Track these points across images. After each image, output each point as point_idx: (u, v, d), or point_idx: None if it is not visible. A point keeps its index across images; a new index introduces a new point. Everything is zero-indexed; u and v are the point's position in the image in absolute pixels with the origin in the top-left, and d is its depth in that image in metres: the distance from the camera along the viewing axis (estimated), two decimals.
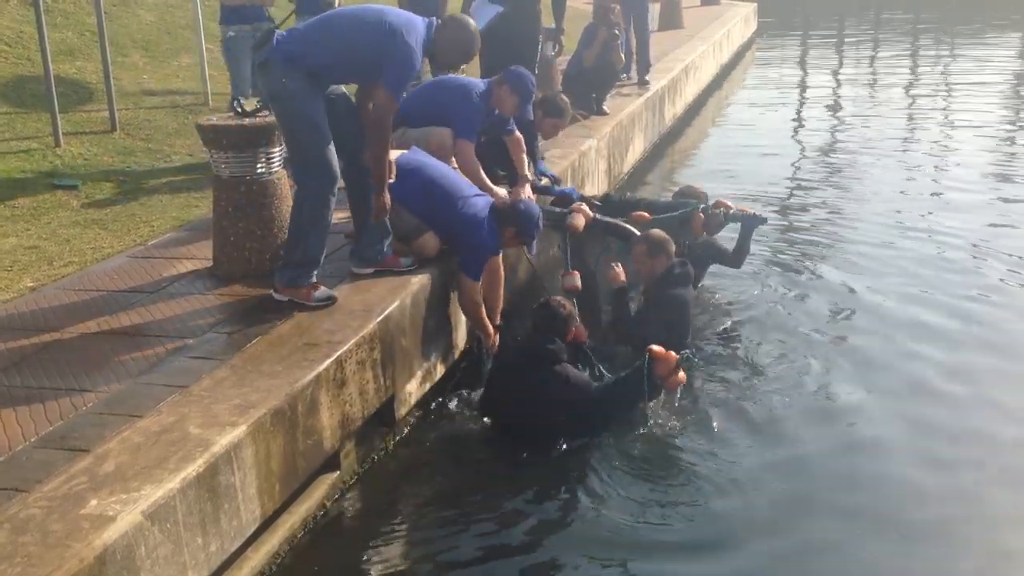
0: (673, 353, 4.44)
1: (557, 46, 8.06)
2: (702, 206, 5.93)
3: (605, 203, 6.16)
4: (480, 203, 4.78)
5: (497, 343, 4.94)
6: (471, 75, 6.21)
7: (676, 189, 6.66)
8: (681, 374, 4.46)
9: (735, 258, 6.04)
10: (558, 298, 4.75)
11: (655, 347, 4.42)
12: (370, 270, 4.57)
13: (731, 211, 5.94)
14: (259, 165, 4.52)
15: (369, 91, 4.36)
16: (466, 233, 4.68)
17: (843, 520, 3.86)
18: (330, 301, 4.24)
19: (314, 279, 4.27)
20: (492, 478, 4.24)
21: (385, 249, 4.60)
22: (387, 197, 4.36)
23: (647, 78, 9.57)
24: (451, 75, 6.25)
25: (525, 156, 5.81)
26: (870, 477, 4.16)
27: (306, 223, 4.24)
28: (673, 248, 5.35)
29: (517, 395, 4.45)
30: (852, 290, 6.24)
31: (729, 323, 5.74)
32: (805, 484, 4.15)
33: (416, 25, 4.20)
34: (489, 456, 4.44)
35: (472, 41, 4.39)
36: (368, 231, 4.53)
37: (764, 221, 6.00)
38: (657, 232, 5.41)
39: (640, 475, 4.22)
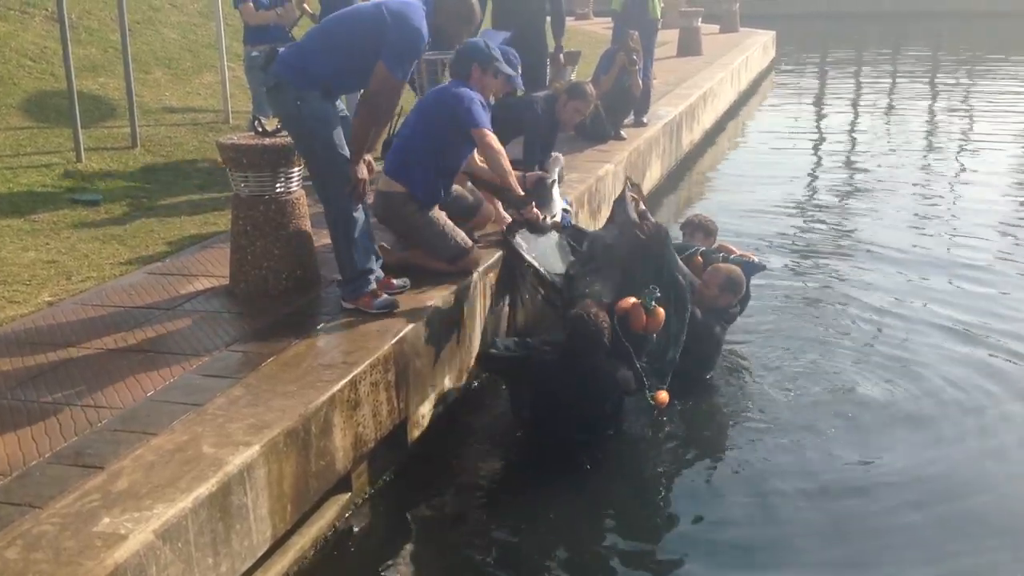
0: (631, 300, 4.65)
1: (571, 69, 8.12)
2: (703, 249, 5.90)
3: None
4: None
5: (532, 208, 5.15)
6: None
7: (684, 219, 6.63)
8: (659, 312, 4.63)
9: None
10: (592, 309, 4.51)
11: (619, 306, 4.61)
12: None
13: (732, 255, 5.90)
14: (278, 184, 4.55)
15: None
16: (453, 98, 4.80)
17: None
18: (390, 308, 4.32)
19: (373, 285, 4.36)
20: (503, 502, 4.23)
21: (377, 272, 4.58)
22: (363, 170, 4.24)
23: (644, 120, 9.60)
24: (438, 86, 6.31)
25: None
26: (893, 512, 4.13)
27: (342, 240, 4.31)
28: (743, 294, 5.39)
29: (570, 399, 4.43)
30: (867, 318, 6.20)
31: (743, 350, 5.73)
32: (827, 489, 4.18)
33: (415, 6, 4.13)
34: (500, 480, 4.43)
35: (472, 7, 4.32)
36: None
37: (763, 268, 5.98)
38: (740, 273, 5.40)
39: (656, 501, 4.24)
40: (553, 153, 6.49)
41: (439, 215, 4.93)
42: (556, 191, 5.92)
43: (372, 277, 4.40)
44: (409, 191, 4.82)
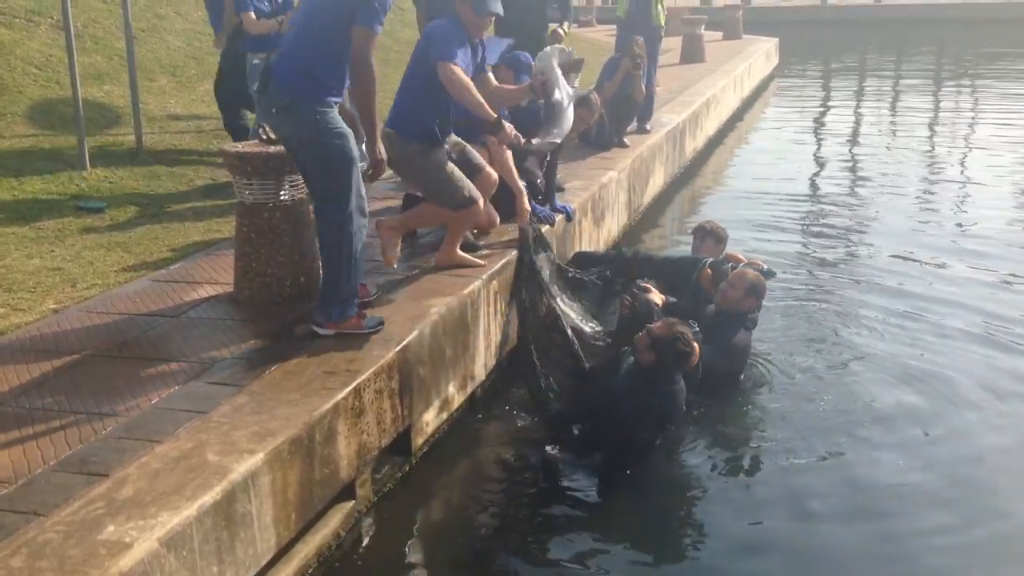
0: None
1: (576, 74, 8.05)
2: (710, 260, 5.89)
3: (617, 257, 6.15)
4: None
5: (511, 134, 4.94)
6: None
7: (695, 225, 6.63)
8: (696, 349, 4.59)
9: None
10: (683, 330, 4.48)
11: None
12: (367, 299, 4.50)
13: (741, 264, 5.89)
14: (282, 192, 4.55)
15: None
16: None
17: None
18: (381, 326, 4.20)
19: (356, 307, 4.23)
20: (508, 510, 4.23)
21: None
22: (382, 148, 4.14)
23: (647, 126, 9.61)
24: None
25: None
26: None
27: (343, 262, 4.08)
28: (764, 297, 5.43)
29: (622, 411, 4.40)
30: (880, 318, 6.21)
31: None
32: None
33: None
34: (505, 488, 4.42)
35: None
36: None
37: (773, 275, 5.99)
38: (764, 280, 5.43)
39: (664, 510, 4.23)
40: (548, 47, 5.82)
41: (448, 163, 4.85)
42: (562, 86, 5.34)
43: (356, 300, 4.24)
44: (398, 133, 4.73)
